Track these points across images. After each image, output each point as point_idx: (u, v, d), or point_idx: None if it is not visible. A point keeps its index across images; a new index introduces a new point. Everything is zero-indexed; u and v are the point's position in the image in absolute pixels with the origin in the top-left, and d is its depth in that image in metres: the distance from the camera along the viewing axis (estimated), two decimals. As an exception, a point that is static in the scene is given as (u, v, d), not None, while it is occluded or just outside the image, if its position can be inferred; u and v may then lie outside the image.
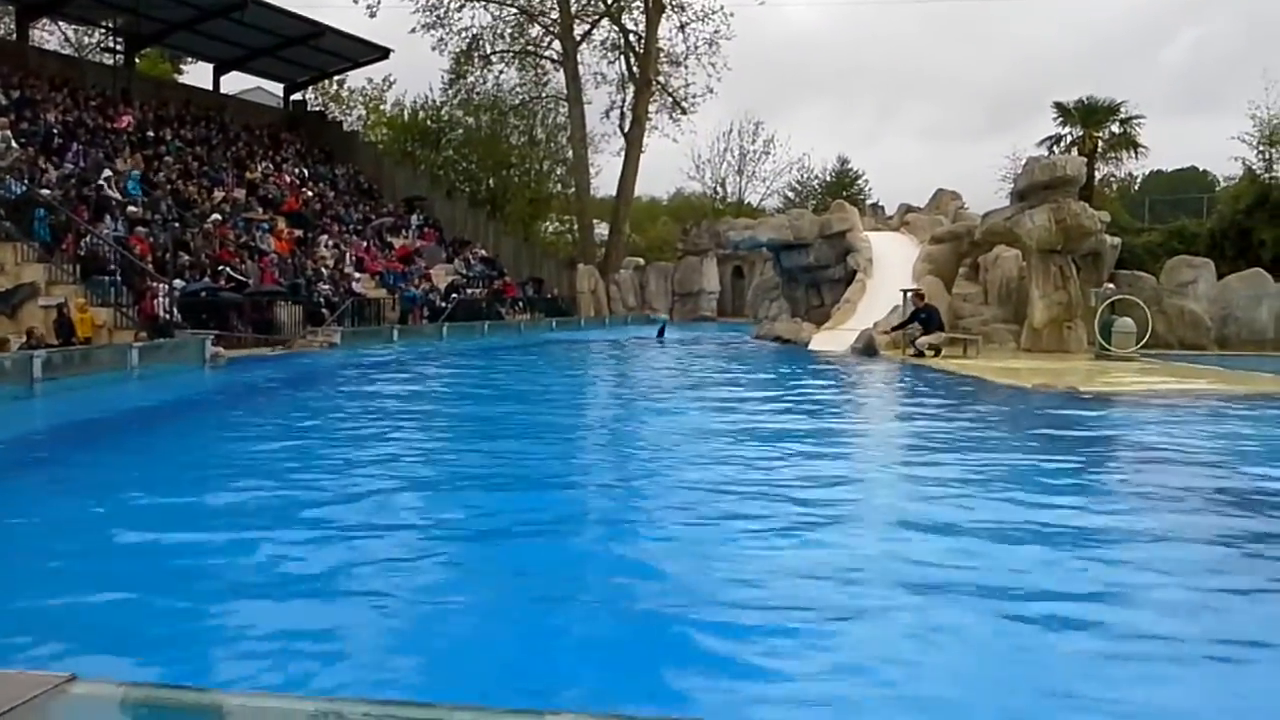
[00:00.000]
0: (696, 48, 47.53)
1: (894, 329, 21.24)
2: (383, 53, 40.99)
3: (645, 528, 5.61)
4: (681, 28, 47.45)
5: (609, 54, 49.29)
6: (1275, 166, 30.10)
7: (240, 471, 7.35)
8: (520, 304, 36.89)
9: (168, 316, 19.04)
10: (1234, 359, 20.69)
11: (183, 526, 5.59)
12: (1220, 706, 3.27)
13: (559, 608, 4.14)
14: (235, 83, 41.67)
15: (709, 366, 19.63)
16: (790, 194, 61.28)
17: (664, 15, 46.96)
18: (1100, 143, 39.03)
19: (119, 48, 35.68)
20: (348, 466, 7.40)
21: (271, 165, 34.00)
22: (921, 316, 20.45)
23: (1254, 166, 30.55)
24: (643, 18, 47.53)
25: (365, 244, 32.46)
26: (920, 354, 19.59)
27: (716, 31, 47.12)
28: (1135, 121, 39.61)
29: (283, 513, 5.87)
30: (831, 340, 22.87)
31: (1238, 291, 24.00)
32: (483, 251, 39.87)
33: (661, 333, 26.21)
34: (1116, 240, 25.40)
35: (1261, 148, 30.35)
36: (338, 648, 3.64)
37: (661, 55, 48.07)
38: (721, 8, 46.94)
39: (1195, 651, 3.63)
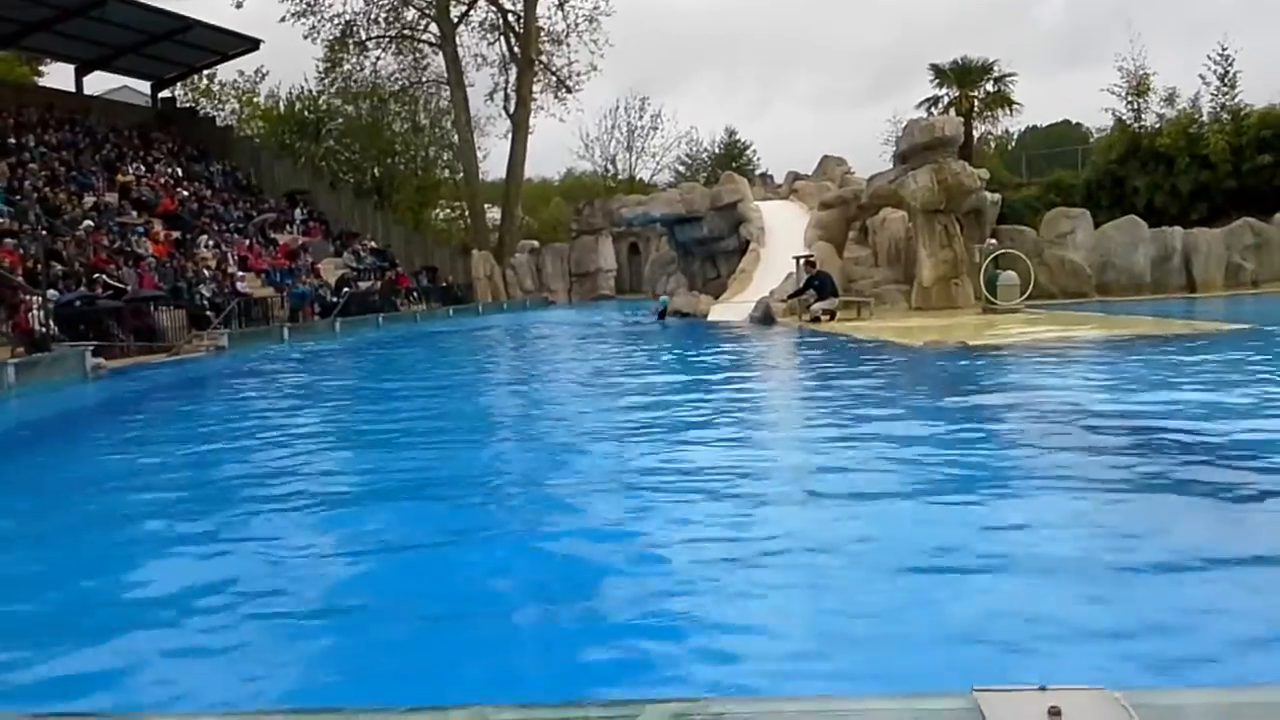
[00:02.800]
0: (577, 25, 47.38)
1: (790, 296, 21.50)
2: (253, 44, 39.77)
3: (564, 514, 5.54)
4: (560, 5, 47.24)
5: (488, 35, 48.86)
6: (1144, 116, 31.23)
7: (132, 487, 7.04)
8: (415, 294, 36.35)
9: (44, 330, 18.19)
10: (1114, 304, 21.50)
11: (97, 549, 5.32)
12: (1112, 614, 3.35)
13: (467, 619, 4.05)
14: (99, 83, 40.05)
15: (607, 347, 19.58)
16: (680, 168, 61.63)
17: (541, -7, 46.59)
18: (976, 102, 40.01)
19: (-30, 52, 34.02)
20: (241, 476, 7.15)
21: (143, 166, 32.78)
22: (815, 283, 20.73)
23: (1124, 117, 31.65)
24: (520, -3, 47.12)
25: (248, 242, 31.55)
26: (816, 319, 19.86)
27: (596, 8, 47.10)
28: (1008, 80, 40.73)
29: (173, 526, 5.64)
30: (730, 311, 23.07)
31: (1114, 239, 24.89)
32: (372, 243, 39.14)
33: (664, 314, 24.67)
34: (997, 196, 26.09)
35: (1130, 99, 31.44)
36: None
37: (542, 34, 47.72)
38: (599, -16, 46.77)
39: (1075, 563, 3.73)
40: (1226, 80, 29.58)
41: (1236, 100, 29.39)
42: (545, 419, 9.62)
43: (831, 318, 19.93)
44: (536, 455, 7.41)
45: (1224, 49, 29.60)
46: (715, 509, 5.21)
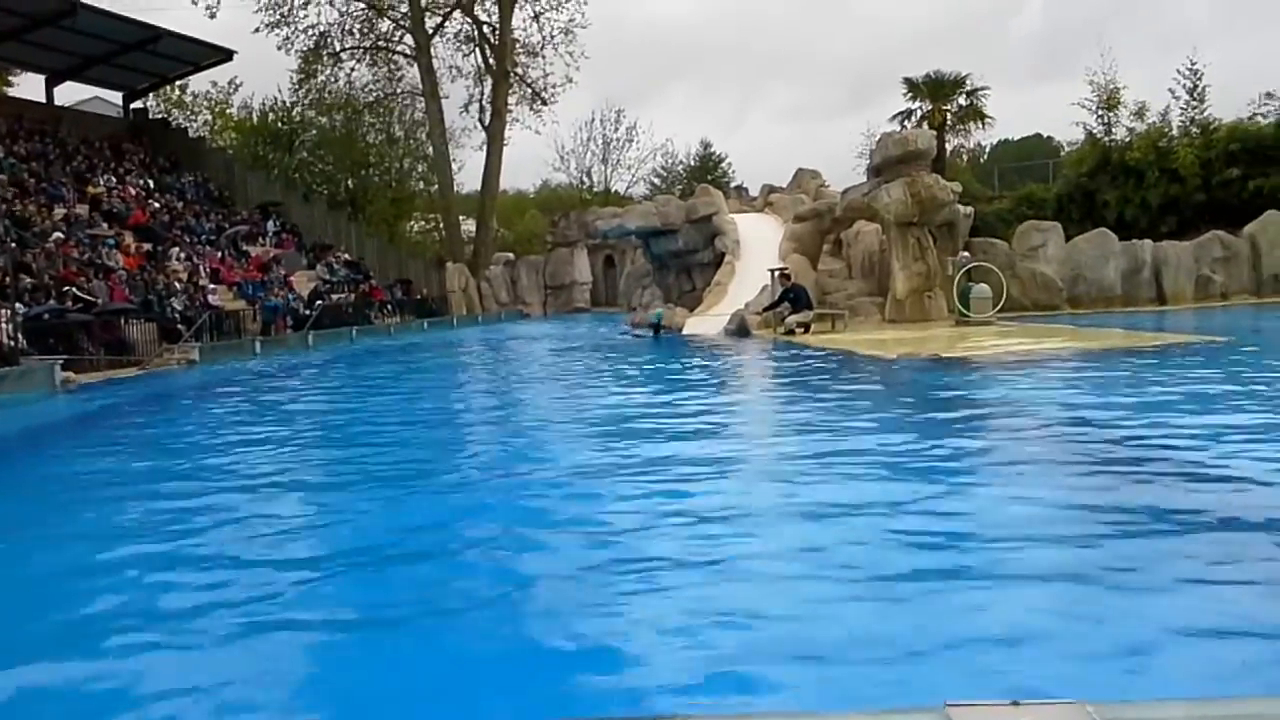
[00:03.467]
0: (552, 37, 47.40)
1: (765, 310, 21.55)
2: (226, 55, 39.53)
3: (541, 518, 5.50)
4: (536, 17, 47.25)
5: (463, 47, 48.85)
6: (1114, 130, 31.52)
7: (104, 505, 6.95)
8: (389, 307, 36.16)
9: (12, 343, 17.97)
10: (1085, 317, 21.68)
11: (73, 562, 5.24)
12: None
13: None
14: (70, 93, 39.78)
15: (583, 360, 19.55)
16: (656, 180, 61.85)
17: (517, 6, 46.65)
18: (949, 116, 40.30)
19: (-62, 62, 33.63)
20: (210, 498, 7.06)
21: (114, 178, 32.48)
22: (790, 296, 20.80)
23: (1094, 131, 31.94)
24: (495, 8, 47.14)
25: (220, 254, 31.30)
26: (791, 332, 19.92)
27: (571, 20, 47.10)
28: (980, 93, 41.05)
29: (150, 543, 5.57)
30: (705, 323, 23.10)
31: (1085, 252, 25.11)
32: (346, 255, 38.93)
33: (658, 328, 23.27)
34: (969, 209, 26.29)
35: (1101, 112, 31.72)
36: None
37: (517, 46, 47.76)
38: (575, -4, 46.82)
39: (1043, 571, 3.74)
40: (1196, 94, 29.92)
41: (1205, 114, 29.73)
42: (520, 458, 9.45)
43: (806, 330, 19.99)
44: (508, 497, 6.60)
45: (1193, 63, 29.96)
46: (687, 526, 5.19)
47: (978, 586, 3.97)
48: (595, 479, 6.70)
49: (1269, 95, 29.26)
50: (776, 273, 21.84)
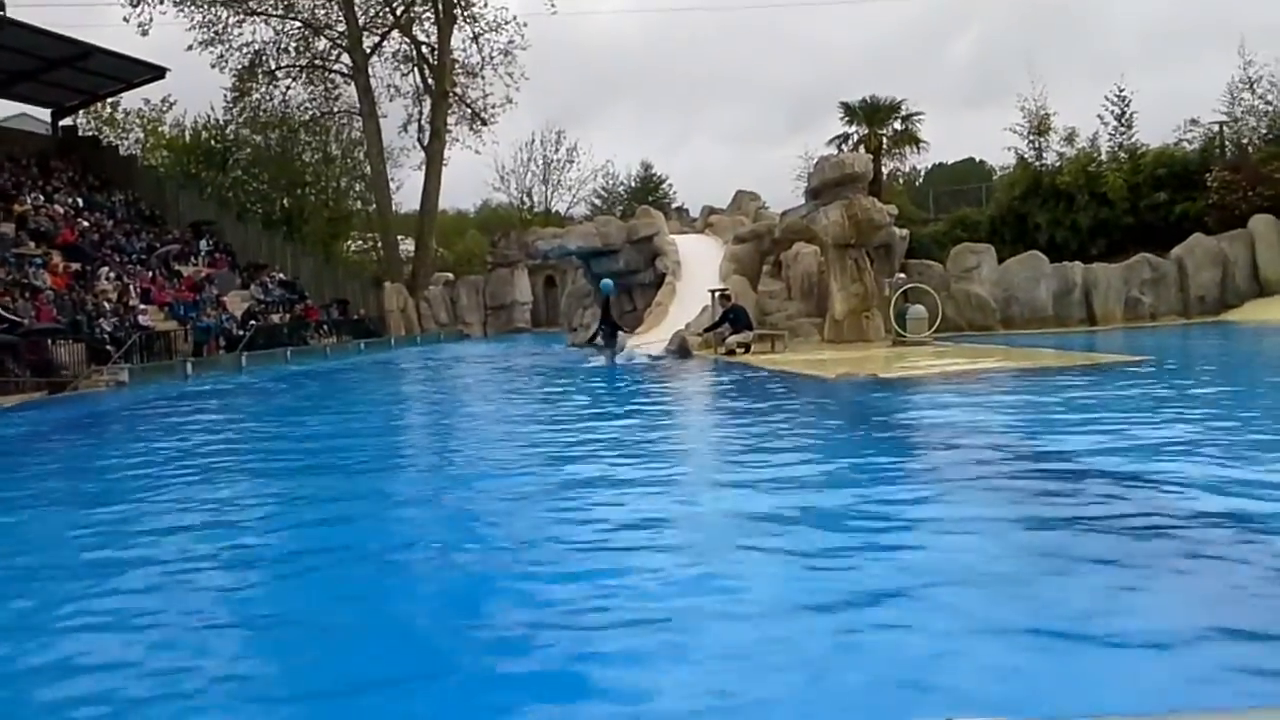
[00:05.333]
0: (492, 58, 47.21)
1: (706, 330, 21.56)
2: (158, 72, 38.73)
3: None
4: (475, 38, 47.03)
5: (401, 66, 48.44)
6: (1045, 155, 32.19)
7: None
8: (325, 327, 35.62)
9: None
10: (1018, 336, 22.03)
11: None
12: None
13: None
14: (-5, 110, 38.72)
15: (520, 380, 19.39)
16: (597, 201, 61.85)
17: (456, 26, 46.41)
18: (885, 140, 40.87)
19: None
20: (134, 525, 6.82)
21: (42, 196, 31.63)
22: (730, 316, 20.84)
23: (1026, 155, 32.59)
24: (434, 29, 46.89)
25: (151, 274, 30.62)
26: (731, 352, 19.94)
27: (511, 41, 46.94)
28: (915, 118, 41.69)
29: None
30: (646, 344, 23.02)
31: (1018, 273, 25.54)
32: (280, 275, 38.32)
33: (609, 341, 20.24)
34: (905, 231, 26.63)
35: (1031, 137, 32.39)
36: None
37: (456, 66, 47.47)
38: (514, 18, 46.72)
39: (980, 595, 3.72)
40: (1124, 120, 30.68)
41: (1133, 140, 30.50)
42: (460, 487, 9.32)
43: (746, 350, 20.03)
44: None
45: (1121, 90, 30.74)
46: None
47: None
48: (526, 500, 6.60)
49: (1193, 122, 30.11)
50: (717, 293, 21.88)
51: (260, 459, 9.83)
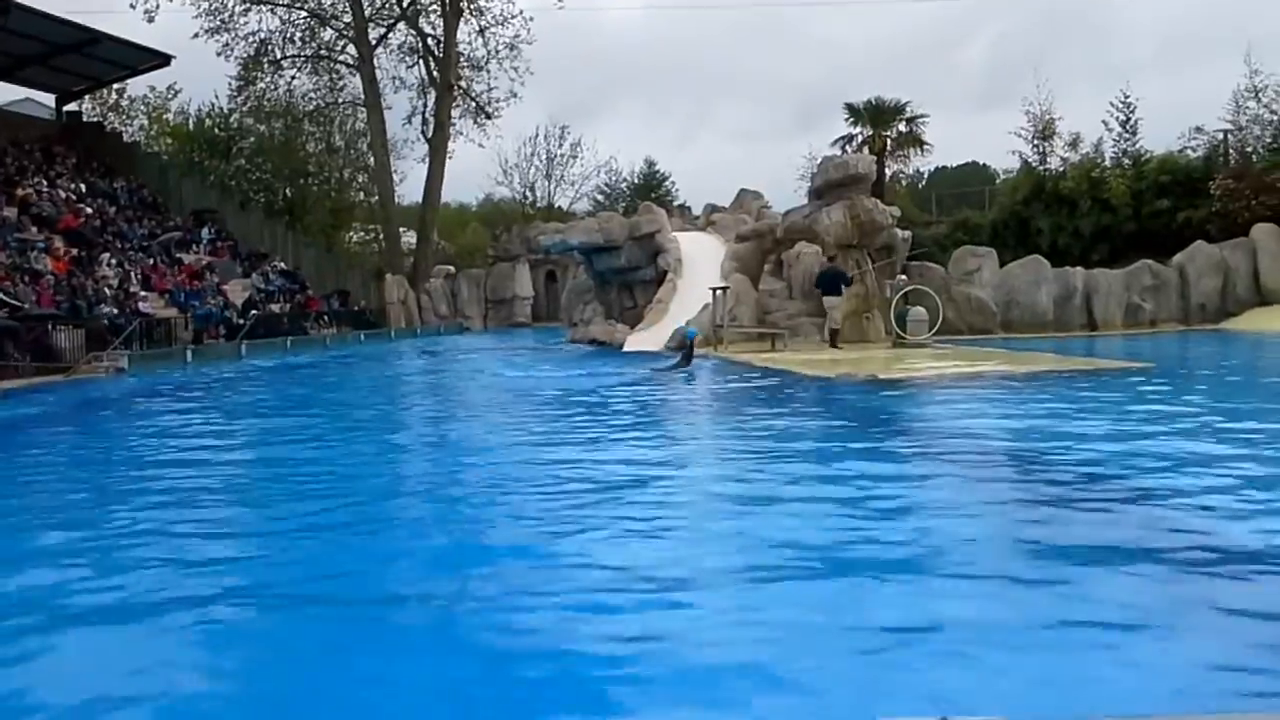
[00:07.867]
0: (497, 52, 47.18)
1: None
2: (164, 59, 38.73)
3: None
4: (481, 32, 47.00)
5: (407, 58, 48.41)
6: (1049, 159, 32.24)
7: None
8: (325, 318, 35.60)
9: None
10: (1018, 340, 22.04)
11: None
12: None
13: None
14: (1, 94, 38.67)
15: (522, 374, 19.40)
16: (600, 197, 61.81)
17: (462, 19, 46.39)
18: (889, 141, 40.94)
19: None
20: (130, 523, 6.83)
21: (45, 181, 31.63)
22: (828, 278, 20.78)
23: (1030, 159, 32.65)
24: (440, 22, 46.84)
25: (152, 261, 30.61)
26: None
27: (517, 36, 46.91)
28: (920, 120, 41.78)
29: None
30: (645, 340, 23.04)
31: (1019, 277, 25.56)
32: (282, 264, 38.31)
33: (689, 351, 18.19)
34: (907, 233, 26.64)
35: (1036, 142, 32.45)
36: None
37: (462, 59, 47.46)
38: (521, 12, 46.70)
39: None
40: (1128, 126, 30.73)
41: (1137, 146, 30.55)
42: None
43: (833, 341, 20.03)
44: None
45: (1126, 97, 30.78)
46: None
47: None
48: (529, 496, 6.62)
49: (1198, 130, 30.16)
50: (718, 291, 21.89)
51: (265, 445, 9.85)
